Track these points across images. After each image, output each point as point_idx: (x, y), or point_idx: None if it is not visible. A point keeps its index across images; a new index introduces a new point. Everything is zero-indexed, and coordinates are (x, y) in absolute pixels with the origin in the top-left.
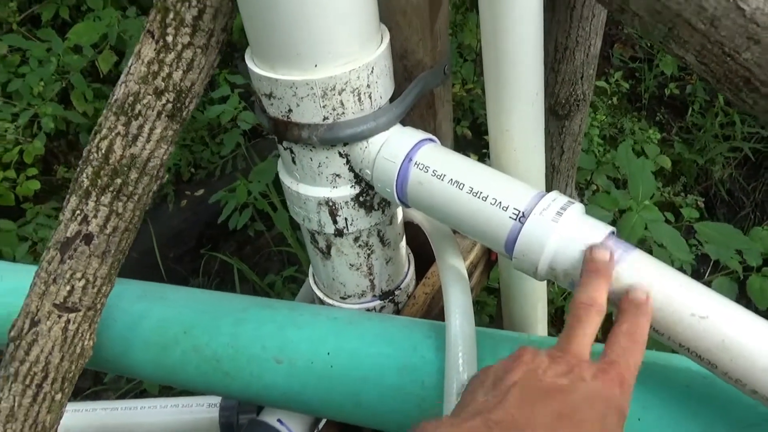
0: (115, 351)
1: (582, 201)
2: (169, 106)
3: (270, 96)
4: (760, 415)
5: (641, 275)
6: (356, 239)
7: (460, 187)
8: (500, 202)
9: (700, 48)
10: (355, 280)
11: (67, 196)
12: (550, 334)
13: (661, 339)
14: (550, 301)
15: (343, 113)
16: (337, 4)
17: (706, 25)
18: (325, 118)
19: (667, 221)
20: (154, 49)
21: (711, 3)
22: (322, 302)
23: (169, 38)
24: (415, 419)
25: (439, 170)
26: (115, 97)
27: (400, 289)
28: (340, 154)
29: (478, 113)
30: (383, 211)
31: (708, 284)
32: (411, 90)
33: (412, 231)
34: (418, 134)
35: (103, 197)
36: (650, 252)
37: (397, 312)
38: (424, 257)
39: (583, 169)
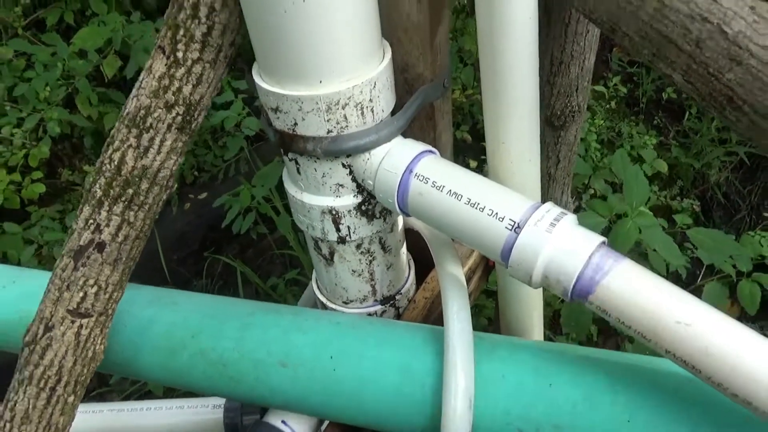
0: (124, 355)
1: (580, 205)
2: (179, 119)
3: (276, 110)
4: (741, 417)
5: (630, 284)
6: (358, 246)
7: (459, 198)
8: (497, 213)
9: (686, 68)
10: (357, 286)
11: (80, 206)
12: (547, 338)
13: (648, 344)
14: (548, 304)
15: (347, 126)
16: (341, 25)
17: (692, 47)
18: (329, 131)
19: (663, 226)
20: (165, 65)
21: (696, 26)
22: (325, 307)
23: (180, 54)
24: (414, 421)
25: (439, 182)
26: (127, 110)
27: (401, 293)
28: (344, 165)
29: (478, 118)
30: (385, 219)
31: (702, 287)
32: (412, 103)
33: (413, 237)
34: (419, 146)
35: (115, 207)
36: (646, 255)
37: (398, 316)
38: (424, 262)
39: (579, 174)
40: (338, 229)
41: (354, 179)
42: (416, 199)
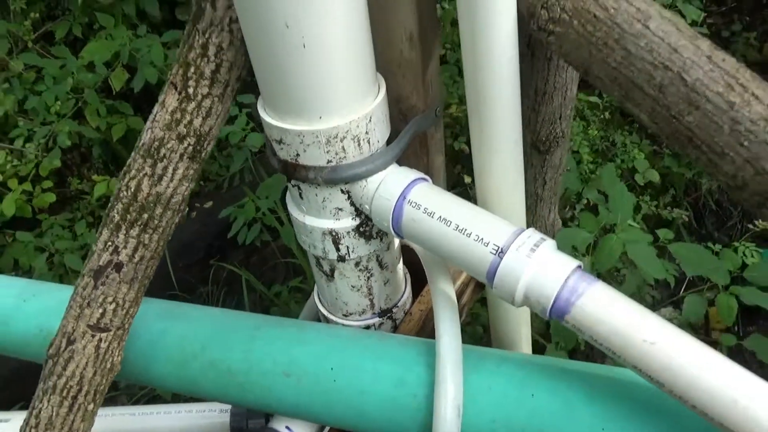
0: (138, 365)
1: (573, 214)
2: (190, 149)
3: (280, 142)
4: (703, 427)
5: (601, 306)
6: (357, 264)
7: (448, 224)
8: (482, 239)
9: (651, 110)
10: (356, 300)
11: (99, 229)
12: (540, 347)
13: (618, 360)
14: (537, 315)
15: (345, 157)
16: (339, 68)
17: (656, 92)
18: (328, 161)
19: (652, 239)
20: (177, 99)
21: (659, 73)
22: (326, 319)
23: (191, 90)
24: (408, 428)
25: (430, 208)
26: (142, 141)
27: (398, 306)
28: (342, 191)
29: None
30: (381, 239)
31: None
32: (405, 133)
33: (409, 252)
34: (411, 174)
35: (132, 230)
36: (634, 267)
37: (395, 327)
38: (419, 276)
39: (569, 189)
40: (338, 249)
41: (352, 203)
42: (409, 224)
